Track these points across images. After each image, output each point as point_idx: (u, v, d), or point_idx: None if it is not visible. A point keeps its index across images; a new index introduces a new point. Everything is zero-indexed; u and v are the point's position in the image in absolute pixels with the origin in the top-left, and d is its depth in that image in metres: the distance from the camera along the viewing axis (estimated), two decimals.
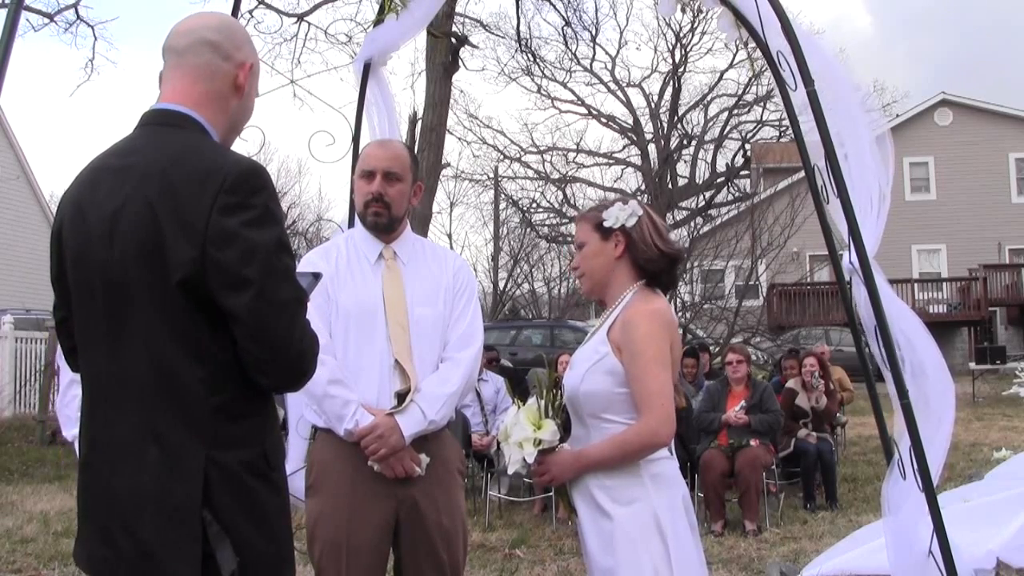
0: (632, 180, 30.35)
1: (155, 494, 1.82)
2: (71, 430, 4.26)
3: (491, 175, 29.73)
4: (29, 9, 14.88)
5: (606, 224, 2.64)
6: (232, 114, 2.05)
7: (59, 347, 4.28)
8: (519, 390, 8.92)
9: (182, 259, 1.81)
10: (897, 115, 28.13)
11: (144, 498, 1.82)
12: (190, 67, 2.00)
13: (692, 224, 21.99)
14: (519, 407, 2.65)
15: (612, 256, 2.64)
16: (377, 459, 2.79)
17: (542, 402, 2.62)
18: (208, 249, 1.80)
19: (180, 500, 1.81)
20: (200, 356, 1.85)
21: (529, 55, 27.34)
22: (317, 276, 2.20)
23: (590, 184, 29.97)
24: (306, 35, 17.09)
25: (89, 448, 1.94)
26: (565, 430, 2.65)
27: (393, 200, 2.96)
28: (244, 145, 3.54)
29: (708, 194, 28.74)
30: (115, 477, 1.86)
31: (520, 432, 2.59)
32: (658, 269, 2.62)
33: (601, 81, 29.54)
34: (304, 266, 2.99)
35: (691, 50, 28.54)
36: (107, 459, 1.88)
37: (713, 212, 27.70)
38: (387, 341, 2.88)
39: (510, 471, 2.72)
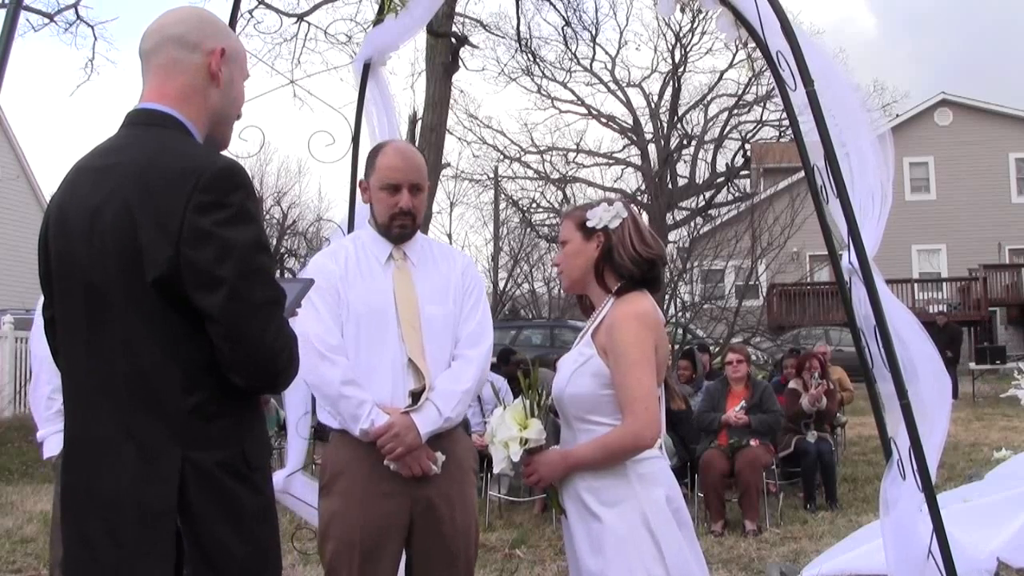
0: (632, 180, 30.36)
1: (131, 495, 1.81)
2: (43, 429, 4.26)
3: (491, 175, 29.73)
4: (29, 9, 14.86)
5: (589, 224, 2.65)
6: (214, 104, 2.03)
7: (33, 340, 4.29)
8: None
9: (157, 258, 1.80)
10: (897, 115, 28.13)
11: (121, 499, 1.82)
12: (159, 65, 2.00)
13: (692, 224, 21.95)
14: (504, 407, 2.65)
15: (592, 256, 2.64)
16: (394, 458, 2.79)
17: (527, 402, 2.62)
18: (183, 248, 1.79)
19: (155, 501, 1.81)
20: (176, 356, 1.84)
21: (529, 55, 27.33)
22: (309, 283, 2.19)
23: (590, 184, 29.97)
24: (306, 35, 17.13)
25: (69, 447, 1.94)
26: (555, 439, 2.66)
27: (418, 211, 2.99)
28: (244, 145, 3.55)
29: (708, 194, 28.70)
30: (93, 477, 1.86)
31: (505, 432, 2.60)
32: (635, 273, 2.61)
33: (601, 81, 29.53)
34: (312, 270, 3.00)
35: (691, 50, 28.54)
36: (85, 459, 1.88)
37: (713, 212, 27.65)
38: (400, 341, 2.88)
39: (496, 470, 2.74)
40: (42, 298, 2.17)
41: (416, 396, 2.86)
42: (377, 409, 2.81)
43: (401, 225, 2.96)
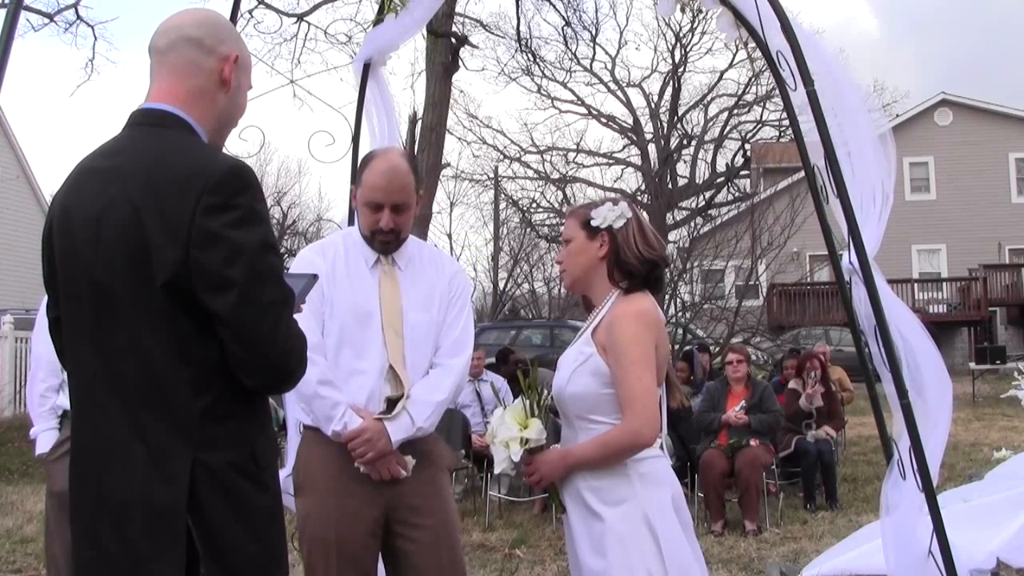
0: (632, 180, 30.33)
1: (141, 496, 1.81)
2: (36, 426, 4.28)
3: (491, 175, 29.72)
4: (29, 9, 14.86)
5: (594, 223, 2.65)
6: (221, 109, 2.03)
7: (33, 338, 4.31)
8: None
9: (166, 261, 1.80)
10: (897, 115, 28.11)
11: (131, 499, 1.82)
12: (173, 65, 1.99)
13: (692, 224, 21.96)
14: (504, 407, 2.66)
15: (596, 255, 2.65)
16: (364, 462, 2.80)
17: (527, 401, 2.62)
18: (192, 251, 1.79)
19: (165, 502, 1.81)
20: (185, 357, 1.84)
21: (529, 55, 27.31)
22: (314, 278, 2.19)
23: (590, 184, 29.94)
24: (306, 35, 17.09)
25: (77, 448, 1.94)
26: (555, 438, 2.66)
27: (402, 227, 2.96)
28: (244, 145, 3.55)
29: (708, 194, 28.69)
30: (103, 478, 1.86)
31: (506, 432, 2.60)
32: (638, 273, 2.61)
33: (601, 81, 29.51)
34: (300, 264, 2.98)
35: (691, 50, 28.52)
36: (95, 460, 1.88)
37: (713, 212, 27.65)
38: (382, 347, 2.88)
39: (497, 470, 2.74)
40: (45, 298, 2.17)
41: (392, 403, 2.86)
42: (351, 412, 2.81)
43: (383, 241, 2.95)
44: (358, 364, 2.88)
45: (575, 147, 30.74)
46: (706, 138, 29.46)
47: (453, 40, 14.50)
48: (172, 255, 1.80)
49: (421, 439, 2.90)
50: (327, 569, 2.81)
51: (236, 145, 3.36)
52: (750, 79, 27.10)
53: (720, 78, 28.86)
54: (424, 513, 2.87)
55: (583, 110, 30.04)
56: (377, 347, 2.88)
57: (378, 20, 4.39)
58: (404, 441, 2.84)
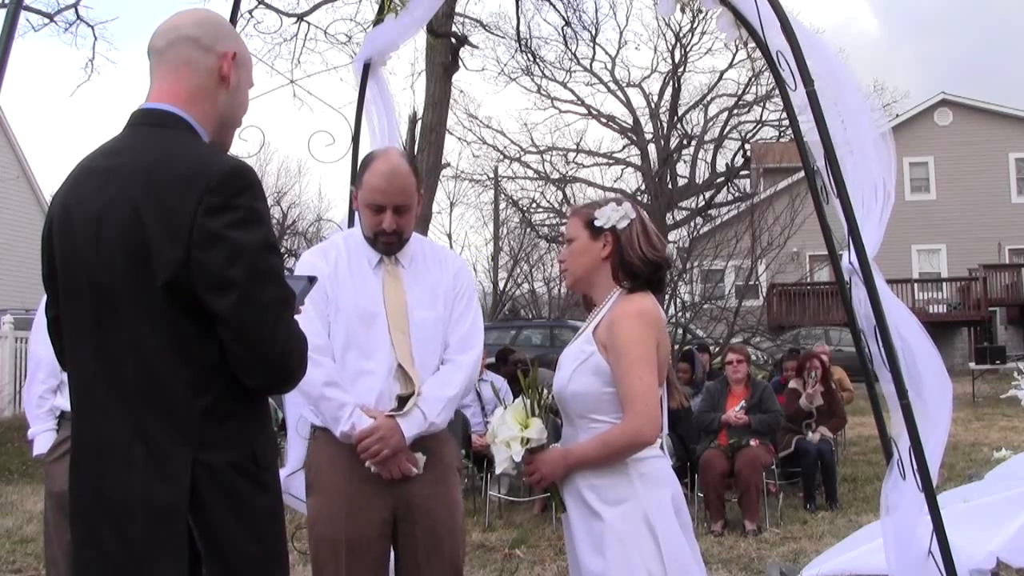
0: (632, 180, 30.34)
1: (142, 496, 1.81)
2: (34, 427, 4.28)
3: (491, 175, 29.73)
4: (29, 9, 14.86)
5: (597, 223, 2.65)
6: (222, 107, 2.03)
7: (32, 339, 4.30)
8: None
9: (167, 261, 1.80)
10: (897, 115, 28.12)
11: (132, 500, 1.82)
12: (172, 65, 1.99)
13: (692, 224, 21.94)
14: (505, 407, 2.66)
15: (599, 255, 2.64)
16: (377, 461, 2.80)
17: (528, 401, 2.62)
18: (193, 251, 1.79)
19: (166, 502, 1.81)
20: (186, 357, 1.84)
21: (529, 55, 27.30)
22: (312, 280, 2.19)
23: (590, 184, 29.96)
24: (306, 35, 17.11)
25: (77, 449, 1.94)
26: (555, 438, 2.67)
27: (404, 228, 2.96)
28: (244, 145, 3.54)
29: (708, 194, 28.67)
30: (103, 478, 1.86)
31: (507, 431, 2.60)
32: (642, 273, 2.61)
33: (601, 81, 29.51)
34: (301, 267, 2.98)
35: (691, 50, 28.51)
36: (95, 460, 1.88)
37: (713, 212, 27.63)
38: (389, 346, 2.88)
39: (498, 470, 2.74)
40: (44, 298, 2.17)
41: (403, 401, 2.86)
42: (359, 411, 2.82)
43: (385, 243, 2.95)
44: (365, 365, 2.88)
45: (575, 147, 30.76)
46: (706, 138, 29.45)
47: (453, 40, 14.52)
48: (173, 255, 1.80)
49: (431, 437, 2.91)
50: (337, 569, 2.81)
51: (236, 145, 3.35)
52: (750, 79, 27.13)
53: (720, 78, 28.89)
54: (433, 512, 2.88)
55: (583, 110, 30.07)
56: (384, 347, 2.88)
57: (378, 20, 4.39)
58: (417, 436, 2.84)
